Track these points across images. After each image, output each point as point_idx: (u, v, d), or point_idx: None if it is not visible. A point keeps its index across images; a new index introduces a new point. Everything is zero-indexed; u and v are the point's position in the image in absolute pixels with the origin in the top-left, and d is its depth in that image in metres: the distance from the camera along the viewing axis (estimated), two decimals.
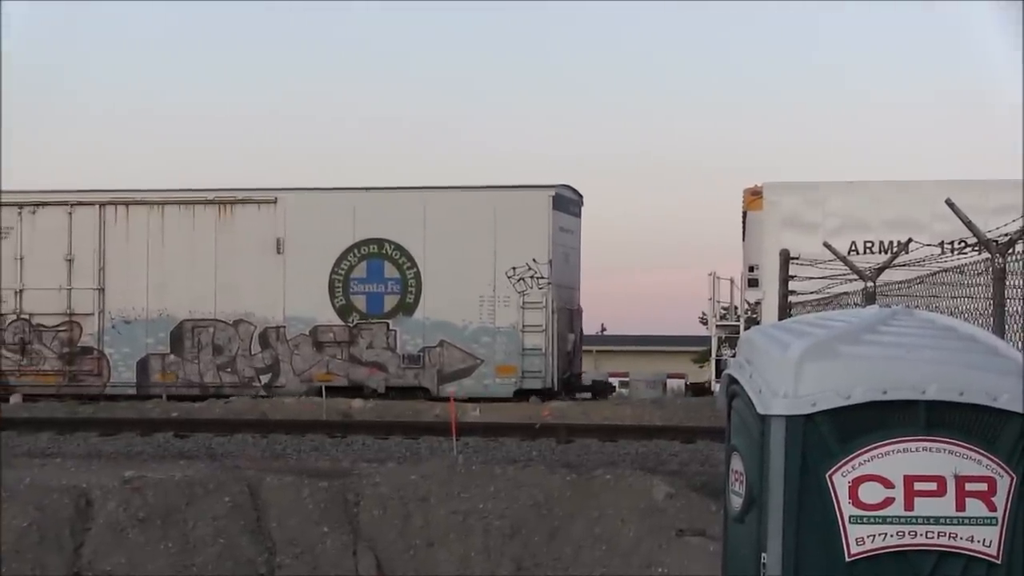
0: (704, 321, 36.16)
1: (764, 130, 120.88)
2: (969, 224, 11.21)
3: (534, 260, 30.48)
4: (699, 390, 32.47)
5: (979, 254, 11.74)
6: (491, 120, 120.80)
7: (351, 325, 31.08)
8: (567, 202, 31.80)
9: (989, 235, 11.17)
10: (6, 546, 13.71)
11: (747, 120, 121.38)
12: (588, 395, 31.52)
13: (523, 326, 30.45)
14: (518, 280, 30.48)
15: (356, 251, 31.17)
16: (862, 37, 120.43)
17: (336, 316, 31.14)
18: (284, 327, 31.23)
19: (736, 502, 6.06)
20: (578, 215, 32.74)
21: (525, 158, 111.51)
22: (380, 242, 31.11)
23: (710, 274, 30.70)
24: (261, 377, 31.11)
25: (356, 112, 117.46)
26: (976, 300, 11.72)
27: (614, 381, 35.55)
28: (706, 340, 34.30)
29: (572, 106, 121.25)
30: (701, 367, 35.67)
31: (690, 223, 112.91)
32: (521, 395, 30.05)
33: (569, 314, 32.08)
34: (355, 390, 30.17)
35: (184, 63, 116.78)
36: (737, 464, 6.06)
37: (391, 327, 31.01)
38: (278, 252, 31.23)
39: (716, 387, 27.77)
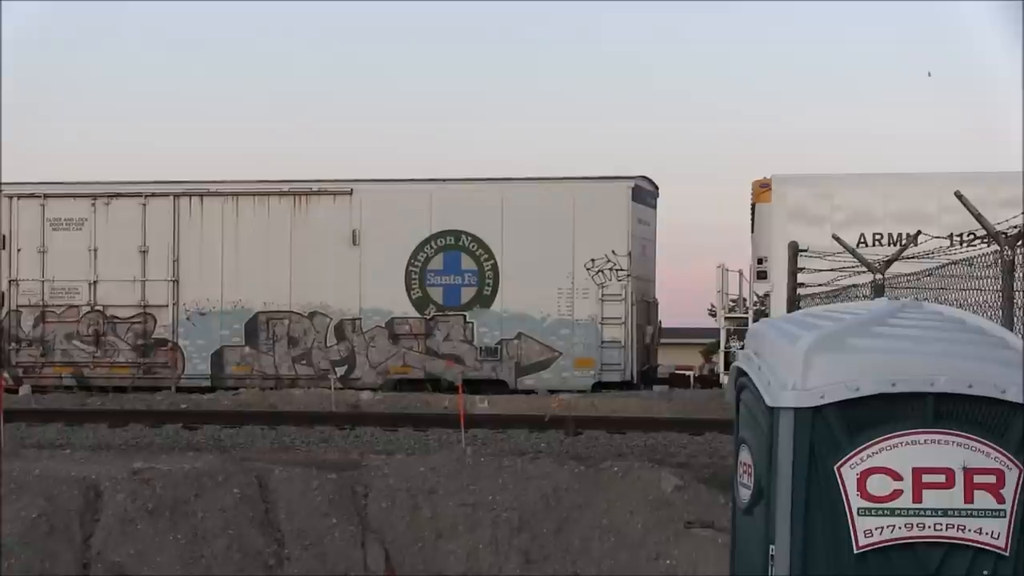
0: (713, 313, 36.09)
1: (772, 124, 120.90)
2: (978, 216, 11.19)
3: (613, 252, 30.38)
4: (706, 382, 32.42)
5: (988, 246, 11.72)
6: (494, 117, 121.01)
7: (428, 317, 30.97)
8: (645, 193, 31.68)
9: (998, 227, 11.16)
10: (15, 537, 13.74)
11: (754, 114, 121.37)
12: (666, 387, 31.35)
13: (602, 318, 30.35)
14: (597, 272, 30.37)
15: (433, 243, 31.05)
16: (866, 32, 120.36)
17: (412, 308, 31.02)
18: (360, 319, 31.14)
19: (744, 494, 6.07)
20: (654, 207, 32.58)
21: (527, 155, 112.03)
22: (457, 234, 30.99)
23: (719, 266, 30.65)
24: (337, 369, 30.96)
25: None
26: (985, 292, 11.68)
27: None
28: (715, 332, 34.25)
29: (578, 101, 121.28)
30: (708, 361, 35.61)
31: (699, 215, 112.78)
32: (600, 388, 29.95)
33: (647, 306, 31.99)
34: (432, 383, 30.13)
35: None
36: (745, 456, 6.07)
37: (468, 319, 30.91)
38: (354, 244, 31.13)
39: (724, 379, 27.77)
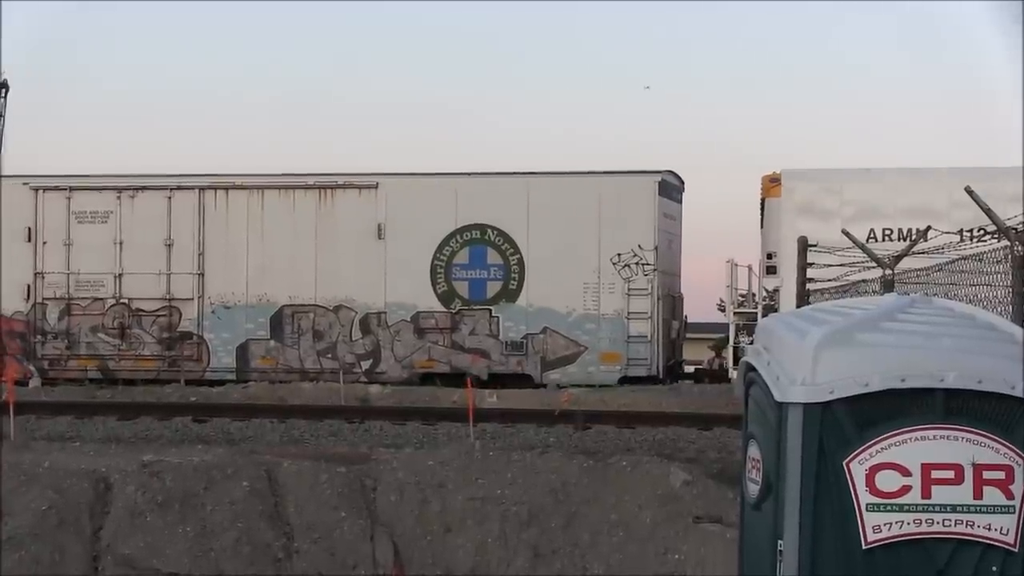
0: (722, 308, 36.06)
1: (778, 120, 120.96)
2: (988, 212, 11.19)
3: (639, 246, 30.29)
4: (716, 377, 32.37)
5: (998, 242, 11.71)
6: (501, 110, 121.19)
7: (453, 311, 30.90)
8: (671, 188, 31.58)
9: (1008, 223, 11.16)
10: (25, 529, 13.77)
11: (761, 109, 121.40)
12: (691, 382, 31.28)
13: (628, 313, 30.27)
14: (623, 267, 30.29)
15: (458, 237, 30.98)
16: (871, 33, 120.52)
17: (438, 302, 30.96)
18: (385, 313, 31.06)
19: (753, 489, 6.07)
20: (680, 201, 32.48)
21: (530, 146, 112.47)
22: (483, 228, 30.92)
23: (728, 261, 30.60)
24: (362, 363, 30.98)
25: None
26: (995, 288, 11.69)
27: None
28: (722, 328, 34.21)
29: (588, 96, 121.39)
30: (719, 355, 35.53)
31: (708, 210, 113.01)
32: (626, 382, 29.88)
33: (672, 301, 31.95)
34: (457, 377, 30.00)
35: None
36: (754, 451, 6.07)
37: (494, 314, 30.83)
38: (379, 237, 31.07)
39: (733, 374, 27.73)
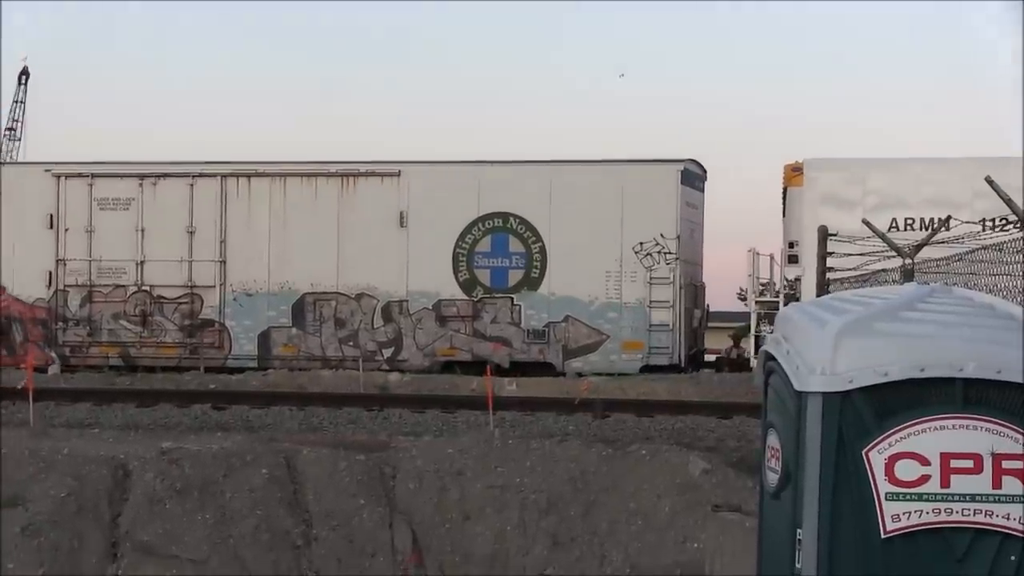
0: (743, 297, 36.01)
1: (801, 109, 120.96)
2: (1009, 202, 11.13)
3: (662, 235, 30.25)
4: (735, 365, 32.31)
5: (1019, 231, 11.65)
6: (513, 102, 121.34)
7: (475, 299, 30.89)
8: (693, 177, 31.56)
9: None
10: (45, 516, 13.81)
11: (785, 104, 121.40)
12: (711, 371, 31.28)
13: (650, 302, 30.28)
14: (645, 255, 30.26)
15: (480, 225, 30.97)
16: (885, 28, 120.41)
17: (460, 290, 30.96)
18: (407, 301, 31.07)
19: (772, 478, 6.05)
20: (702, 190, 32.50)
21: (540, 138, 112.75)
22: (505, 216, 30.92)
23: (750, 250, 30.58)
24: (383, 351, 31.02)
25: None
26: (1015, 278, 11.63)
27: None
28: (745, 316, 34.16)
29: (611, 87, 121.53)
30: (737, 345, 35.43)
31: (730, 199, 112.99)
32: (647, 371, 29.87)
33: (694, 289, 31.95)
34: (479, 365, 29.93)
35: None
36: (773, 440, 6.05)
37: (515, 302, 30.82)
38: (401, 225, 31.07)
39: (754, 362, 27.68)
